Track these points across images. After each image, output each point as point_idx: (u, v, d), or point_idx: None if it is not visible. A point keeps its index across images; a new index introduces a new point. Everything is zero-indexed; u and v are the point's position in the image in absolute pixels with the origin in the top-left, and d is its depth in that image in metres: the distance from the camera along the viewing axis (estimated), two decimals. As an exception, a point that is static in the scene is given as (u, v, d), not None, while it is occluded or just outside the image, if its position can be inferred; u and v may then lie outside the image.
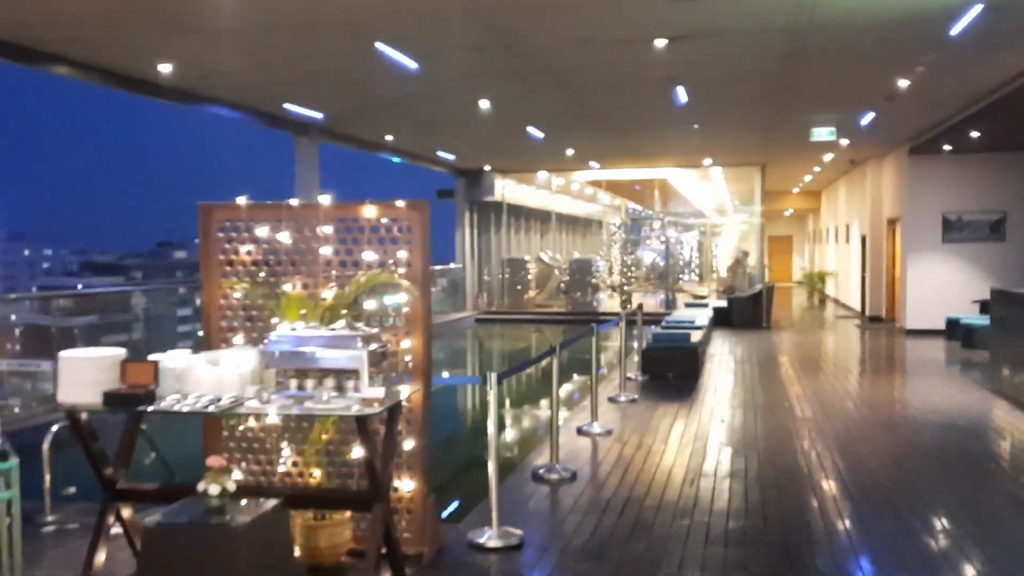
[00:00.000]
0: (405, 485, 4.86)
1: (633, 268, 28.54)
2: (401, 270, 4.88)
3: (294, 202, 5.01)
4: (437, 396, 5.30)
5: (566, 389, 12.25)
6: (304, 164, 14.48)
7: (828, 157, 19.25)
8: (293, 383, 4.29)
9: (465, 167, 22.05)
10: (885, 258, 19.14)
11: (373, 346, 4.36)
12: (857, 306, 21.48)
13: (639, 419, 8.70)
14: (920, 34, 8.58)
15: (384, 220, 4.93)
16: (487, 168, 22.29)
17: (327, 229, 4.92)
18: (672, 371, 11.49)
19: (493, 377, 5.18)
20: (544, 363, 7.05)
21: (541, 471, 6.46)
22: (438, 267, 24.48)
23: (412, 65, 9.46)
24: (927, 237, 16.65)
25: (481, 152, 19.45)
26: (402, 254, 4.87)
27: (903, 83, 10.63)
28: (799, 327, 19.57)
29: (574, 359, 14.26)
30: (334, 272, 4.93)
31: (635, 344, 12.44)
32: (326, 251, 4.90)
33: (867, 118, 13.42)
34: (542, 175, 25.36)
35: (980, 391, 10.26)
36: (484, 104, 12.24)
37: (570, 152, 18.51)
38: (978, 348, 14.10)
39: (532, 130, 15.13)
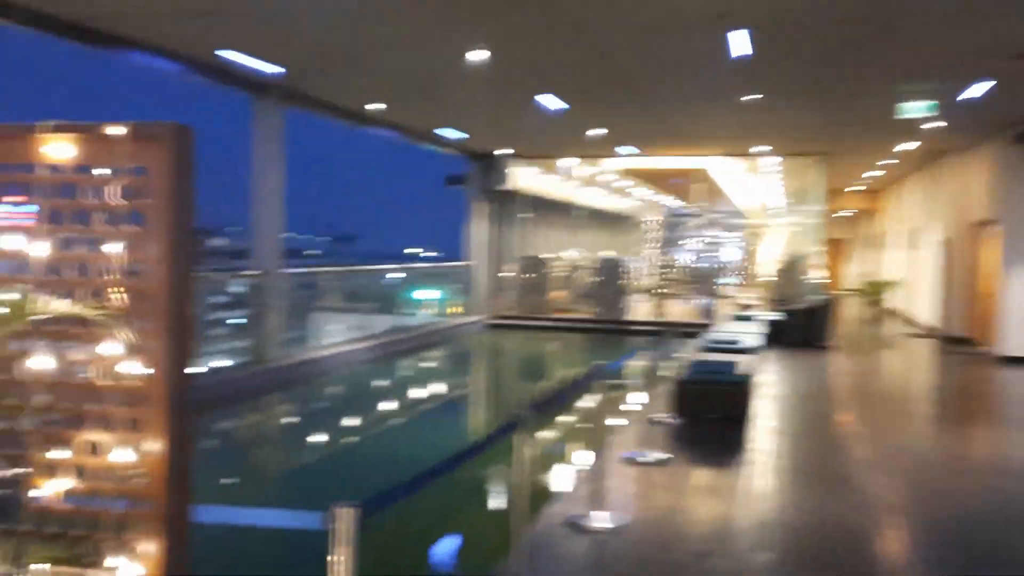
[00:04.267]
0: None
1: (669, 270, 25.63)
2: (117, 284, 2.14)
3: None
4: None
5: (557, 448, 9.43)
6: (265, 135, 11.80)
7: (904, 147, 16.15)
8: None
9: (478, 150, 19.24)
10: (972, 268, 16.00)
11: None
12: (930, 322, 18.35)
13: (668, 497, 5.88)
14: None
15: (92, 171, 2.18)
16: (503, 151, 19.47)
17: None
18: (714, 411, 8.64)
19: (348, 518, 2.41)
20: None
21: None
22: (447, 264, 21.78)
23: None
24: (1035, 244, 13.57)
25: (493, 130, 16.63)
26: (114, 247, 2.12)
27: (1049, 30, 7.67)
28: (866, 348, 16.56)
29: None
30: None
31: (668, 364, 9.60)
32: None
33: (973, 91, 10.41)
34: (567, 163, 22.53)
35: None
36: (478, 56, 9.45)
37: (595, 133, 15.63)
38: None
39: (547, 99, 12.28)
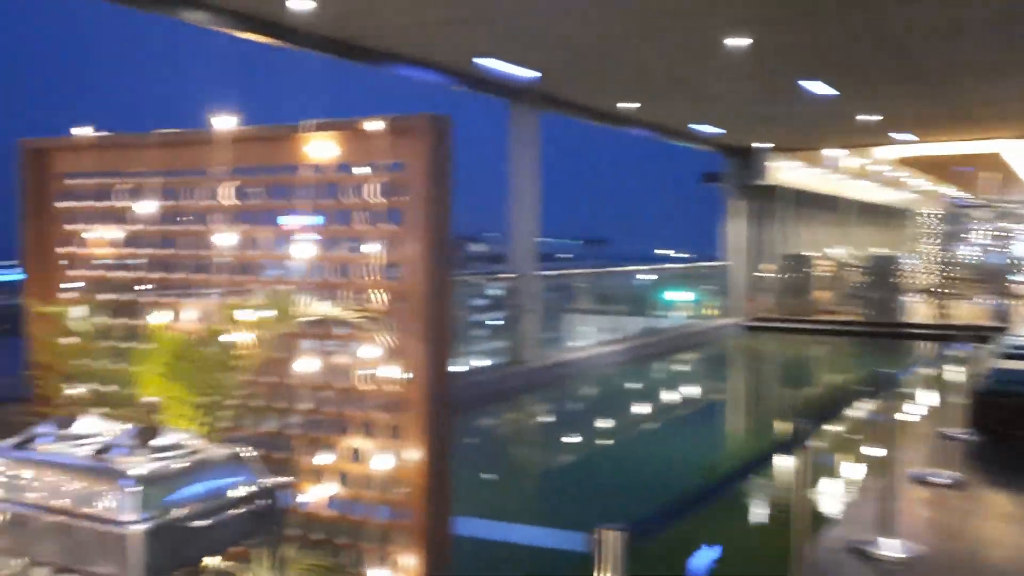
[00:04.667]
0: None
1: (952, 268, 23.20)
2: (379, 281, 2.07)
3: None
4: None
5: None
6: (521, 141, 11.97)
7: None
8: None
9: (734, 145, 18.44)
10: None
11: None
12: None
13: (969, 525, 5.13)
14: None
15: (352, 169, 2.13)
16: (762, 145, 18.53)
17: (227, 190, 2.22)
18: (1020, 427, 7.52)
19: (615, 542, 2.20)
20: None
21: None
22: (701, 264, 21.11)
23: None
24: None
25: (751, 123, 15.83)
26: (372, 247, 2.05)
27: None
28: None
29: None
30: (253, 286, 2.22)
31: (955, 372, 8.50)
32: (226, 241, 2.21)
33: None
34: (833, 155, 21.04)
35: None
36: (738, 43, 8.94)
37: (867, 119, 14.39)
38: None
39: (813, 85, 11.44)
